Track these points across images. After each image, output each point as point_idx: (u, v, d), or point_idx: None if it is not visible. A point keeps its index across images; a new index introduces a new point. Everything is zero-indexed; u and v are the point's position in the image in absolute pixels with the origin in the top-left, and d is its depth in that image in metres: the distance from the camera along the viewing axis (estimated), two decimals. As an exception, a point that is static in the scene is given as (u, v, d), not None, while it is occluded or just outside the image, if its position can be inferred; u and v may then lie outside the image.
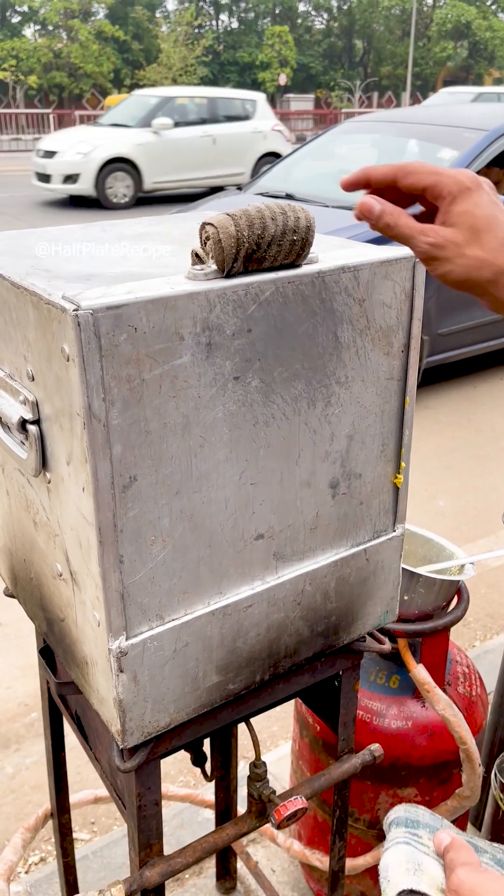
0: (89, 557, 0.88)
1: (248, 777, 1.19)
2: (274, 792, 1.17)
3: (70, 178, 12.43)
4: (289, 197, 5.30)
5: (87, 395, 0.78)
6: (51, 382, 0.86)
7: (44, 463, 0.94)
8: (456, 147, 5.06)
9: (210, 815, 2.09)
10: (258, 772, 1.18)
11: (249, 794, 1.19)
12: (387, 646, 1.23)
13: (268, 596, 1.02)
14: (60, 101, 34.65)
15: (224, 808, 1.79)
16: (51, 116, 24.08)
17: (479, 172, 4.93)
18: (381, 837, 1.68)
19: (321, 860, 1.71)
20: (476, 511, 3.94)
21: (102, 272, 0.90)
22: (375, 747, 1.32)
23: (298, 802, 1.12)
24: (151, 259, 0.99)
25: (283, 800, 1.18)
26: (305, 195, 5.30)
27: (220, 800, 1.78)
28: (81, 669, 1.03)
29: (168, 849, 2.13)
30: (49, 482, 0.94)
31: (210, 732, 1.11)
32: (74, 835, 2.30)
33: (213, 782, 1.77)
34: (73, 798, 1.60)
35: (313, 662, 1.14)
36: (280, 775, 2.20)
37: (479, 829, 2.04)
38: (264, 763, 1.18)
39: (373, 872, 1.69)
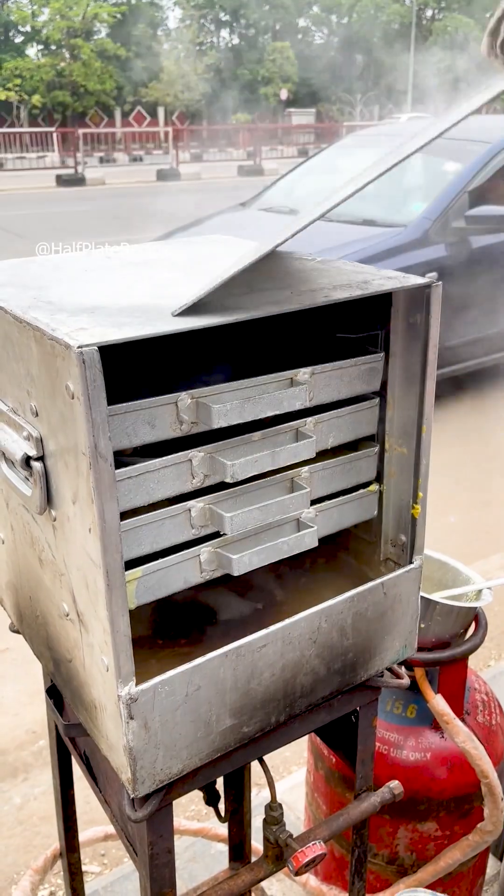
0: (97, 600, 0.85)
1: (264, 820, 1.14)
2: (291, 836, 1.12)
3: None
4: (292, 212, 5.28)
5: (92, 433, 0.75)
6: (55, 419, 0.82)
7: (49, 500, 0.90)
8: (459, 160, 5.05)
9: (223, 847, 2.03)
10: (274, 815, 1.13)
11: (265, 838, 1.14)
12: (405, 681, 1.18)
13: (282, 634, 0.98)
14: (64, 120, 34.93)
15: (238, 843, 1.74)
16: (54, 135, 24.26)
17: (484, 184, 4.91)
18: (400, 873, 1.63)
19: (338, 896, 1.66)
20: (487, 526, 3.89)
21: (108, 304, 0.87)
22: (395, 784, 1.28)
23: (317, 848, 1.07)
24: (157, 288, 0.96)
25: (300, 843, 1.13)
26: (309, 210, 5.28)
27: (234, 834, 1.73)
28: (90, 713, 0.99)
29: (180, 883, 2.08)
30: (55, 520, 0.91)
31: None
32: (84, 867, 2.25)
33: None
34: (83, 836, 1.56)
35: (330, 700, 1.10)
36: (294, 805, 2.15)
37: (501, 859, 1.98)
38: (280, 806, 1.14)
39: (392, 909, 1.63)
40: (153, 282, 0.99)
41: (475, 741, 1.43)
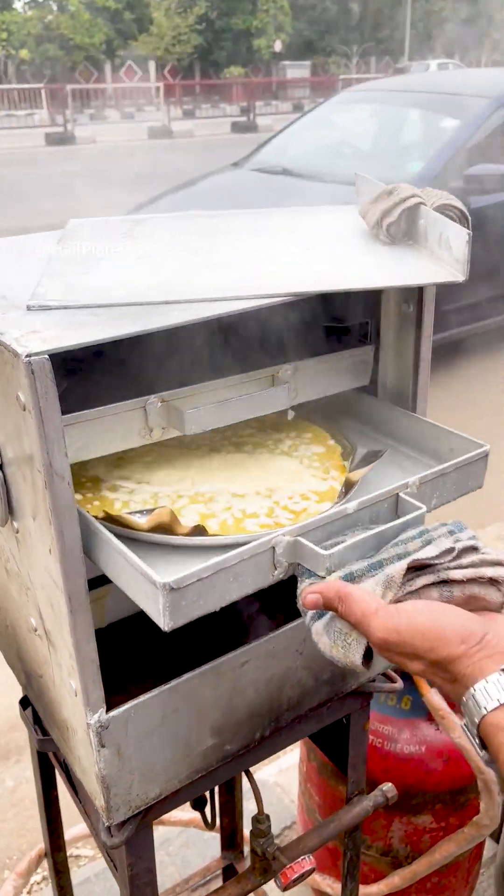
0: (62, 624, 0.78)
1: (252, 832, 1.10)
2: (279, 848, 1.08)
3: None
4: (286, 172, 5.12)
5: (46, 450, 0.67)
6: (10, 428, 0.75)
7: (10, 511, 0.83)
8: (458, 116, 4.87)
9: (216, 832, 2.01)
10: (261, 827, 1.08)
11: (253, 850, 1.09)
12: (399, 684, 1.13)
13: (265, 649, 0.91)
14: (53, 75, 34.05)
15: (230, 833, 1.71)
16: (43, 92, 23.65)
17: (484, 142, 4.75)
18: (395, 865, 1.60)
19: (332, 886, 1.63)
20: (480, 496, 3.84)
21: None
22: (388, 787, 1.23)
23: (306, 864, 1.03)
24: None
25: (288, 856, 1.09)
26: (303, 171, 5.12)
27: (226, 825, 1.70)
28: (62, 733, 0.93)
29: (173, 869, 2.07)
30: (17, 532, 0.84)
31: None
32: (77, 851, 2.24)
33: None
34: (69, 834, 1.52)
35: (319, 710, 1.04)
36: (288, 787, 2.12)
37: (498, 842, 1.96)
38: (268, 817, 1.09)
39: (387, 900, 1.60)
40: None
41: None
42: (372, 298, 0.94)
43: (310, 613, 0.73)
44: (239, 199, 4.66)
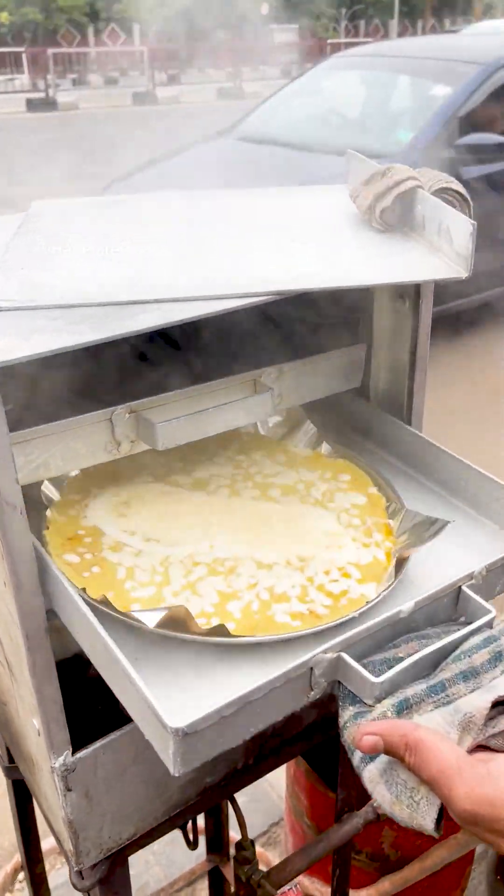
0: (21, 660, 0.70)
1: (235, 858, 1.03)
2: (265, 876, 1.02)
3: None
4: (273, 142, 4.97)
5: (-7, 477, 0.59)
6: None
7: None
8: (450, 83, 4.73)
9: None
10: (246, 854, 1.02)
11: (237, 877, 1.03)
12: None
13: (248, 676, 0.84)
14: (34, 39, 33.20)
15: (214, 836, 1.66)
16: (24, 56, 23.05)
17: (476, 110, 4.62)
18: (384, 870, 1.55)
19: (320, 890, 1.59)
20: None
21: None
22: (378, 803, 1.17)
23: (291, 894, 0.97)
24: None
25: (274, 881, 1.03)
26: (290, 140, 4.97)
27: (211, 827, 1.65)
28: (28, 766, 0.86)
29: (158, 869, 2.02)
30: (-27, 553, 0.76)
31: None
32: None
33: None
34: (46, 845, 1.46)
35: (306, 732, 0.97)
36: (276, 783, 2.07)
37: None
38: (252, 844, 1.03)
39: (377, 904, 1.56)
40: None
41: (466, 745, 1.33)
42: (363, 293, 0.85)
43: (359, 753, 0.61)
44: (225, 171, 4.52)
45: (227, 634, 0.66)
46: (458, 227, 0.71)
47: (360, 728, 0.59)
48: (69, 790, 0.74)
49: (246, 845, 1.03)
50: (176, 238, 0.83)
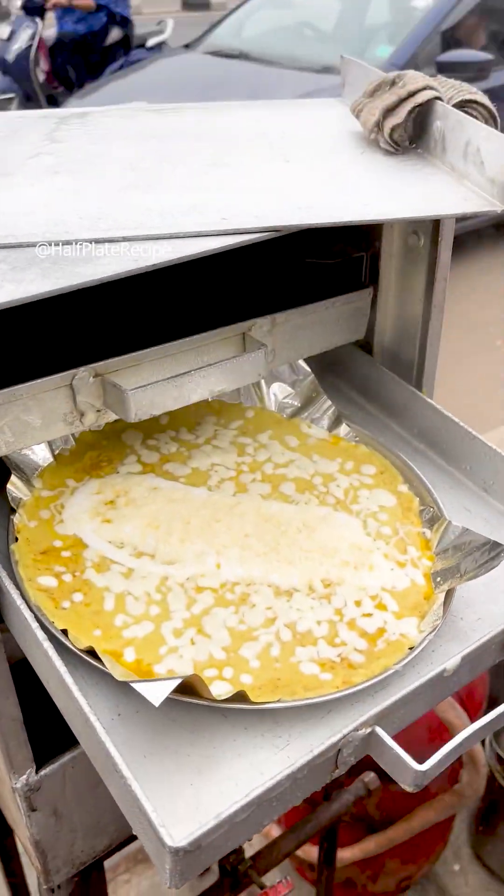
0: (-29, 672, 0.59)
1: (219, 848, 0.96)
2: (251, 865, 0.95)
3: None
4: (242, 56, 4.66)
5: None
6: None
7: None
8: (431, -8, 4.45)
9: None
10: (231, 845, 0.95)
11: (221, 866, 0.96)
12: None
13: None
14: None
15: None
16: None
17: (458, 24, 4.37)
18: (370, 830, 1.51)
19: (305, 851, 1.55)
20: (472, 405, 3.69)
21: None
22: (371, 778, 1.11)
23: (282, 888, 0.90)
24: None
25: (261, 865, 0.96)
26: (261, 54, 4.67)
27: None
28: (-11, 772, 0.76)
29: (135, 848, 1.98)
30: None
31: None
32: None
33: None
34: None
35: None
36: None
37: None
38: (238, 833, 0.95)
39: (360, 862, 1.53)
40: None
41: (458, 709, 1.27)
42: (369, 227, 0.72)
43: None
44: (191, 87, 4.24)
45: (246, 699, 0.52)
46: (493, 148, 0.58)
47: None
48: (33, 810, 0.65)
49: (231, 835, 0.95)
50: (146, 160, 0.69)
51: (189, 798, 0.49)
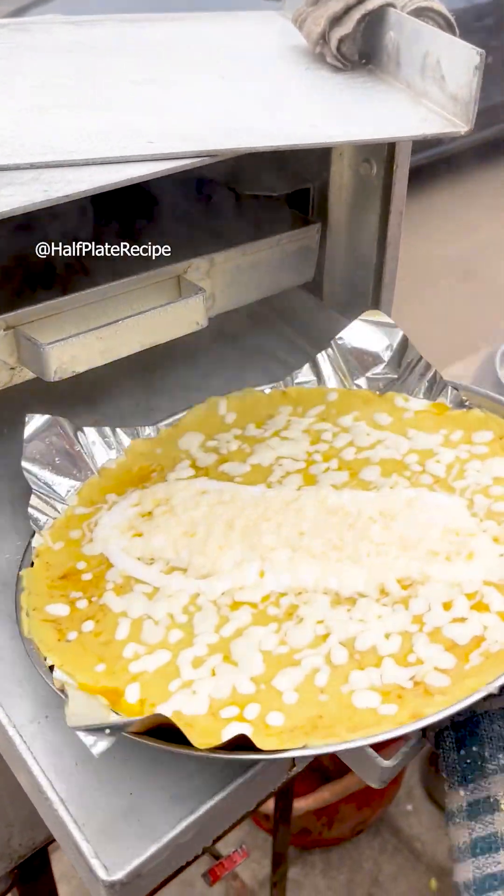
0: None
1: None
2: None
3: None
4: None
5: None
6: None
7: None
8: None
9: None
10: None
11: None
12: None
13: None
14: None
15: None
16: None
17: None
18: (324, 779, 1.51)
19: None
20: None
21: None
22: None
23: (238, 857, 0.87)
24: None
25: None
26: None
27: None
28: None
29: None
30: None
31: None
32: None
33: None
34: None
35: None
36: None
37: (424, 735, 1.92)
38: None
39: (315, 811, 1.54)
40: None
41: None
42: (315, 155, 0.65)
43: None
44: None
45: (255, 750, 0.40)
46: (456, 60, 0.51)
47: None
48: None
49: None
50: (60, 77, 0.60)
51: (128, 815, 0.42)
